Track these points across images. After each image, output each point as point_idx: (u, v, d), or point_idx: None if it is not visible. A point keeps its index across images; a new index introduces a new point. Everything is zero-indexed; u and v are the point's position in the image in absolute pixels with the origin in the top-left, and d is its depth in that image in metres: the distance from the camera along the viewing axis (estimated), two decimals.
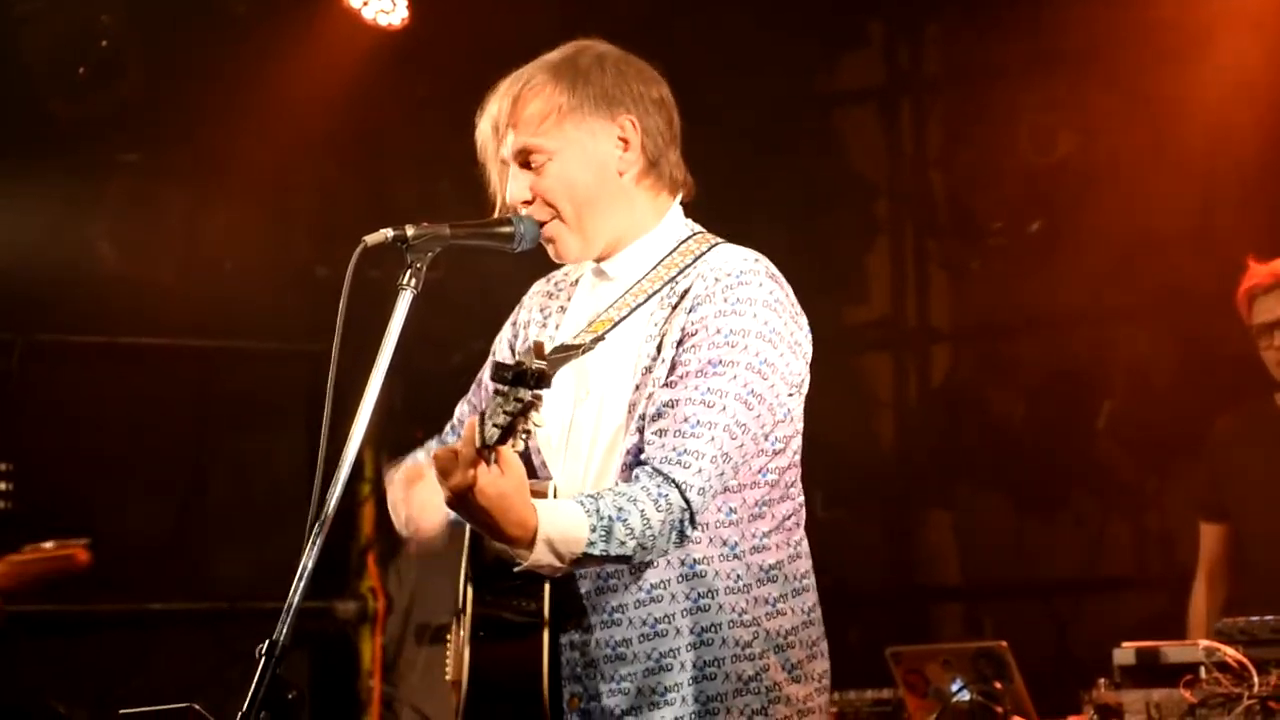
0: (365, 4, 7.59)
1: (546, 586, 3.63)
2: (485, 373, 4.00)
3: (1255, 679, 5.17)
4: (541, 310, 3.93)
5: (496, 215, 3.80)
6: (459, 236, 3.70)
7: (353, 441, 3.51)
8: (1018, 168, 8.10)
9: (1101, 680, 5.58)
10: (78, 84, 7.52)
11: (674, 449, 3.56)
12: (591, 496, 3.53)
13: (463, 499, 3.35)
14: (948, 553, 8.71)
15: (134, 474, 7.91)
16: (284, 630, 3.38)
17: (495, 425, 3.24)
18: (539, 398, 3.20)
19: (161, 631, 7.15)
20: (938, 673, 6.00)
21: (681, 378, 3.61)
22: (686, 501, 3.54)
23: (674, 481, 3.54)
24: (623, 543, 3.48)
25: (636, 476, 3.57)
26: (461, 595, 3.72)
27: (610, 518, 3.48)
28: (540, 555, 3.43)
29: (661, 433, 3.59)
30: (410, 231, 3.63)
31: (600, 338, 3.71)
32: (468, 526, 3.69)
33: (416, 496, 3.84)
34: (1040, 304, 8.14)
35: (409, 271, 3.61)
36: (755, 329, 3.64)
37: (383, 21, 7.64)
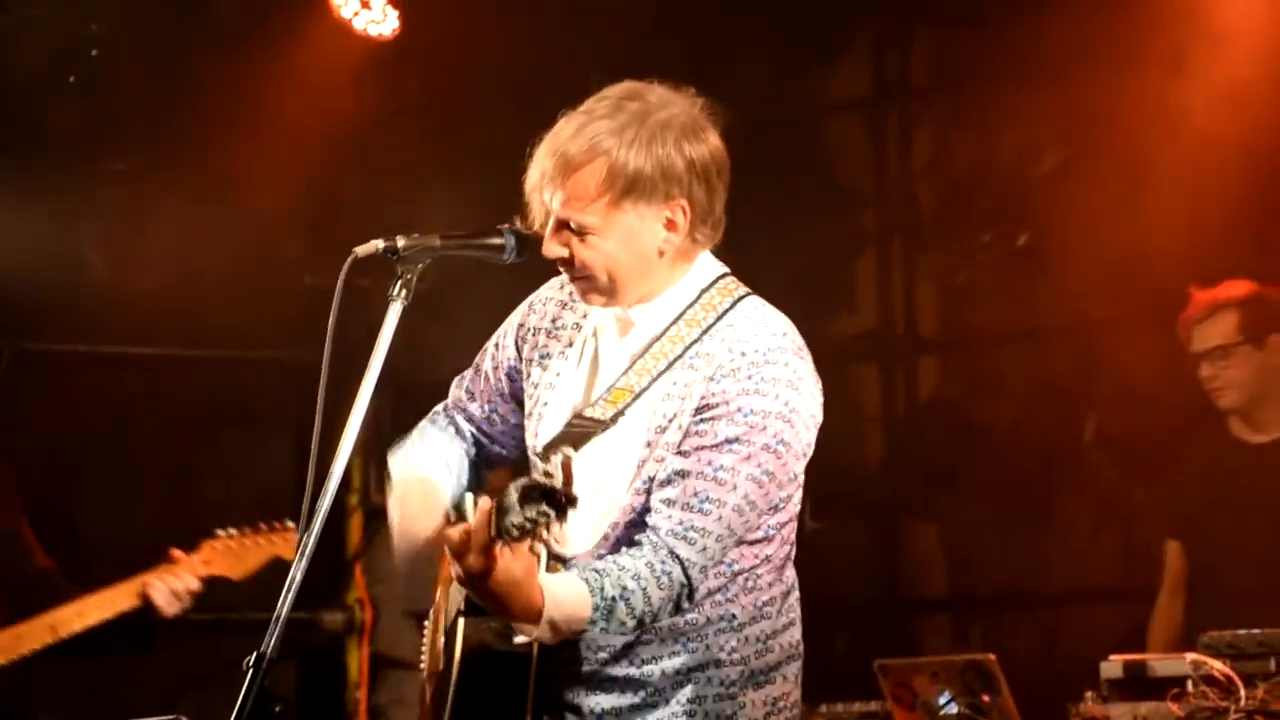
0: (356, 14, 7.60)
1: None
2: (487, 363, 3.98)
3: (1242, 692, 5.19)
4: (554, 321, 3.89)
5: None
6: (449, 247, 3.70)
7: (342, 452, 3.52)
8: (1005, 179, 8.10)
9: (1089, 693, 5.58)
10: (68, 92, 7.52)
11: (680, 523, 3.57)
12: (596, 572, 3.53)
13: (474, 581, 3.37)
14: (935, 565, 8.71)
15: (122, 483, 7.90)
16: (272, 641, 3.38)
17: (514, 524, 3.24)
18: (564, 518, 3.22)
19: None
20: (925, 685, 6.00)
21: (696, 449, 3.60)
22: (688, 578, 3.57)
23: (678, 557, 3.56)
24: (623, 622, 3.52)
25: (640, 545, 3.57)
26: (450, 622, 3.73)
27: (613, 598, 3.51)
28: (542, 634, 3.48)
29: (669, 503, 3.59)
30: (401, 242, 3.63)
31: (620, 413, 3.68)
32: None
33: (414, 516, 3.83)
34: (1027, 316, 8.14)
35: (399, 282, 3.62)
36: (776, 410, 3.61)
37: (373, 32, 7.65)
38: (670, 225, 3.68)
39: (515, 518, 3.24)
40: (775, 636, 3.74)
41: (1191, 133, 7.27)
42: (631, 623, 3.53)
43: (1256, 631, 5.40)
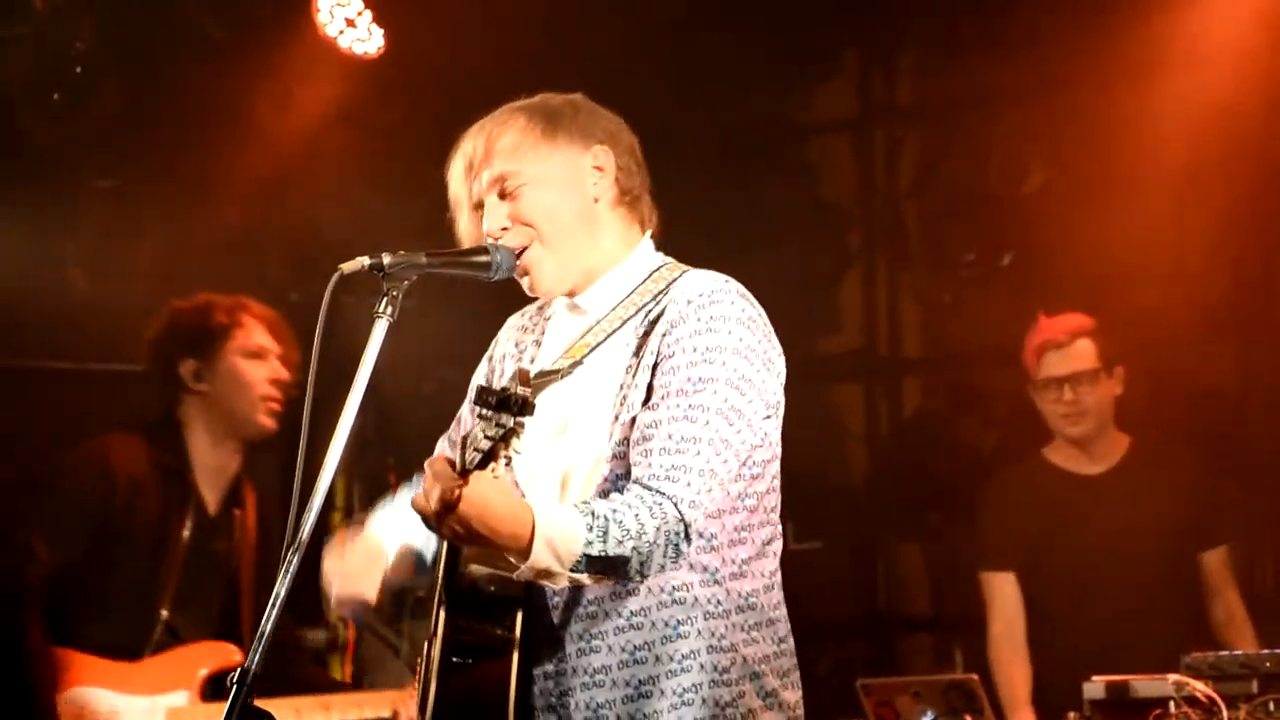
0: (341, 33, 7.59)
1: (519, 614, 3.64)
2: (465, 409, 4.01)
3: (1225, 713, 5.20)
4: (517, 345, 3.95)
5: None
6: (435, 265, 3.72)
7: (327, 469, 3.52)
8: (990, 200, 8.12)
9: (1072, 714, 5.61)
10: (52, 108, 7.50)
11: (661, 466, 3.58)
12: (584, 502, 3.55)
13: (449, 516, 3.35)
14: (919, 584, 8.72)
15: None
16: (256, 658, 3.38)
17: (476, 450, 3.25)
18: (521, 424, 3.22)
19: None
20: (908, 705, 6.01)
21: (663, 398, 3.64)
22: (680, 514, 3.56)
23: (665, 495, 3.56)
24: (620, 541, 3.49)
25: (627, 490, 3.58)
26: (433, 619, 3.72)
27: (606, 517, 3.49)
28: (540, 555, 3.44)
29: (647, 452, 3.60)
30: (386, 259, 3.64)
31: (579, 362, 3.75)
32: (441, 550, 3.69)
33: (349, 567, 3.87)
34: (1012, 336, 8.14)
35: (385, 299, 3.63)
36: (731, 345, 3.67)
37: (358, 50, 7.64)
38: (598, 171, 3.81)
39: (478, 443, 3.26)
40: (760, 628, 3.74)
41: (1175, 153, 7.30)
42: (629, 544, 3.49)
43: (1239, 653, 5.44)
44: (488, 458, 3.26)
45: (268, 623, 3.40)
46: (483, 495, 3.35)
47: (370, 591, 3.84)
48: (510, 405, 3.21)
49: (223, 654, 5.98)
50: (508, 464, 3.28)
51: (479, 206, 3.81)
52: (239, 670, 3.39)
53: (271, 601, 3.40)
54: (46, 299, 7.61)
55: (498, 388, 3.25)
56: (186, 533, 5.79)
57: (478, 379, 4.01)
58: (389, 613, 3.89)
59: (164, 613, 5.95)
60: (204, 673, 5.92)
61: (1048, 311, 6.60)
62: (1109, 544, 6.31)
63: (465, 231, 3.85)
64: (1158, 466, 6.45)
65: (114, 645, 5.90)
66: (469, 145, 3.82)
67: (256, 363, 6.18)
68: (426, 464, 3.43)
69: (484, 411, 3.23)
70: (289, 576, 3.42)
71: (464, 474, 3.31)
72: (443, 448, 4.06)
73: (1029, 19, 7.77)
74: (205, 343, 6.20)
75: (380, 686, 6.71)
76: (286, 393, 6.10)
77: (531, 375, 3.50)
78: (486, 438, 3.24)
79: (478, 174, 3.79)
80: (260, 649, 3.38)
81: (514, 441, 3.24)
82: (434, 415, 4.15)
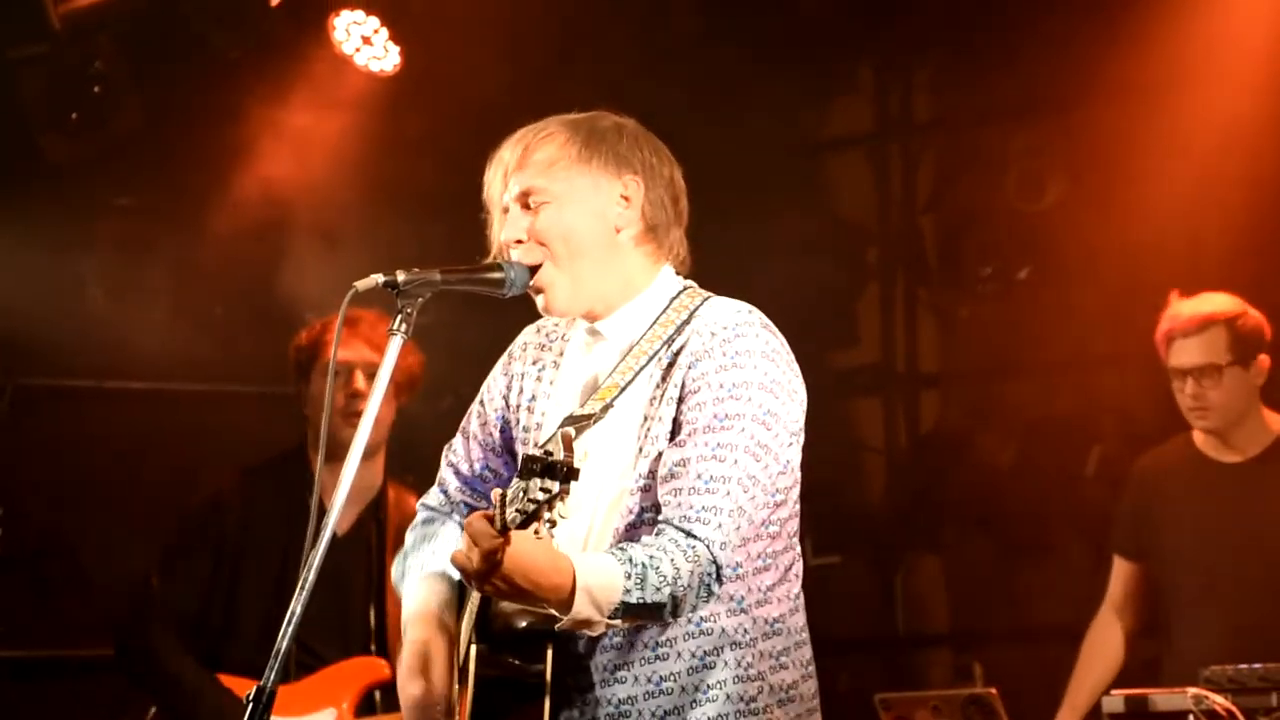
0: (358, 50, 7.61)
1: (549, 649, 3.63)
2: (472, 421, 3.99)
3: None
4: (535, 363, 3.92)
5: (492, 257, 3.81)
6: (449, 282, 3.71)
7: (342, 486, 3.52)
8: (1007, 214, 8.11)
9: None
10: (71, 127, 7.53)
11: (691, 506, 3.57)
12: (619, 548, 3.54)
13: (491, 574, 3.36)
14: (937, 598, 8.70)
15: (124, 518, 7.88)
16: (272, 675, 3.38)
17: (518, 510, 3.25)
18: (566, 491, 3.21)
19: None
20: (927, 719, 5.99)
21: (690, 435, 3.62)
22: (713, 555, 3.55)
23: (696, 536, 3.55)
24: (658, 589, 3.48)
25: (659, 532, 3.57)
26: (463, 657, 3.72)
27: (644, 564, 3.48)
28: (581, 607, 3.43)
29: (676, 491, 3.59)
30: (401, 277, 3.64)
31: (609, 406, 3.71)
32: (471, 590, 3.69)
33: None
34: (1029, 350, 8.15)
35: (399, 316, 3.63)
36: (756, 380, 3.65)
37: (374, 68, 7.66)
38: (625, 201, 3.77)
39: (519, 504, 3.25)
40: (789, 653, 3.74)
41: (1192, 166, 7.29)
42: (666, 590, 3.48)
43: (1258, 666, 5.40)
44: (530, 519, 3.26)
45: (283, 640, 3.39)
46: (526, 554, 3.35)
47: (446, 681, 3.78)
48: (555, 472, 3.21)
49: (370, 669, 5.99)
50: (551, 526, 3.28)
51: (506, 210, 3.80)
52: (255, 689, 3.38)
53: (287, 619, 3.40)
54: (65, 317, 7.64)
55: (541, 452, 3.24)
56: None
57: (491, 392, 3.97)
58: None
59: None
60: (354, 692, 5.94)
61: (1176, 286, 6.22)
62: (1242, 533, 6.04)
63: (495, 235, 3.84)
64: None
65: (257, 669, 5.92)
66: (507, 151, 3.79)
67: (337, 379, 6.16)
68: (464, 523, 3.42)
69: (527, 475, 3.22)
70: (305, 594, 3.42)
71: (504, 532, 3.30)
72: (451, 463, 4.04)
73: (1044, 34, 7.76)
74: (300, 368, 6.25)
75: None
76: (355, 403, 6.08)
77: (564, 419, 3.50)
78: (530, 500, 3.23)
79: (508, 183, 3.78)
80: (276, 666, 3.38)
81: (558, 506, 3.24)
82: (452, 432, 4.14)
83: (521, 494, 3.25)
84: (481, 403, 3.98)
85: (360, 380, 6.06)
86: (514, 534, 3.30)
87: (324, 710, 5.96)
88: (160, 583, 6.24)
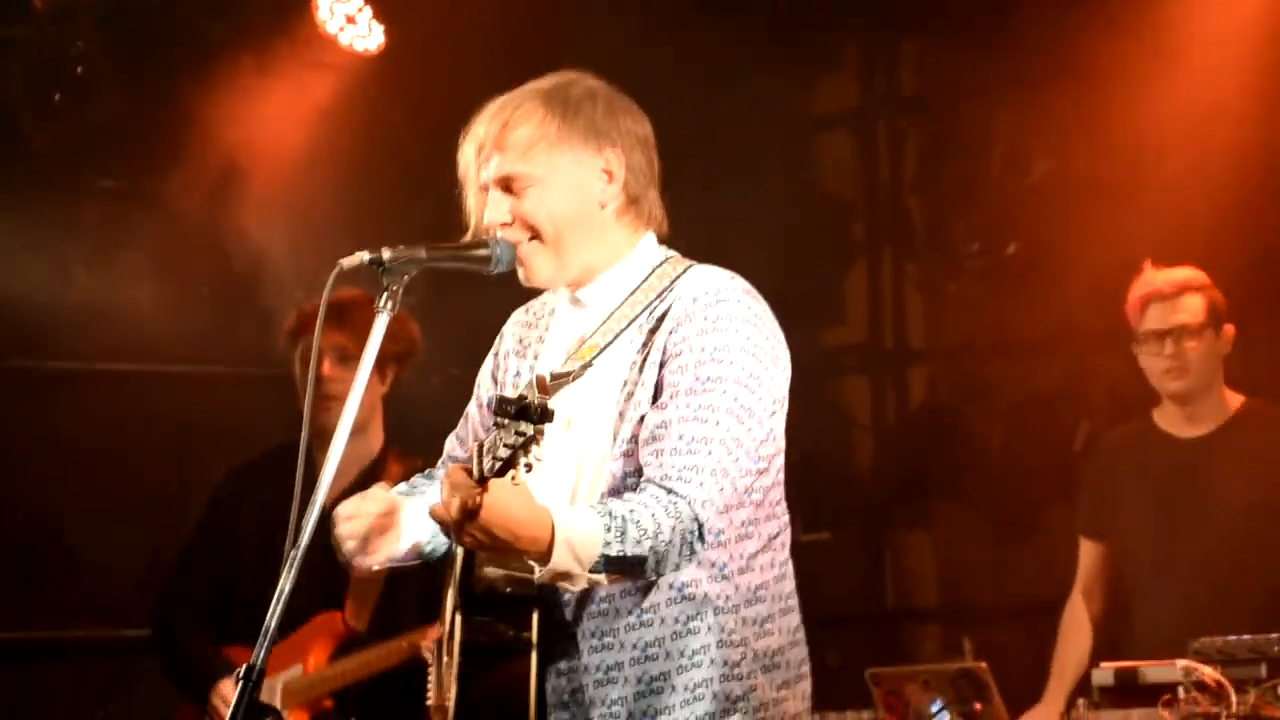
0: (341, 30, 7.60)
1: (535, 613, 3.64)
2: (472, 406, 4.01)
3: (1233, 698, 5.19)
4: (521, 341, 3.94)
5: (471, 238, 3.81)
6: (435, 259, 3.71)
7: (329, 466, 3.51)
8: (994, 190, 8.12)
9: (1080, 700, 5.61)
10: (53, 110, 7.51)
11: (673, 466, 3.57)
12: (600, 502, 3.55)
13: (469, 524, 3.34)
14: (926, 574, 8.71)
15: (112, 500, 7.88)
16: (262, 655, 3.38)
17: (495, 458, 3.25)
18: (541, 432, 3.21)
19: (140, 658, 7.11)
20: (917, 694, 6.00)
21: (671, 397, 3.63)
22: (695, 513, 3.55)
23: (680, 495, 3.55)
24: (638, 541, 3.48)
25: (641, 489, 3.57)
26: (449, 622, 3.72)
27: (624, 517, 3.48)
28: (560, 558, 3.43)
29: (658, 453, 3.59)
30: (386, 254, 3.63)
31: (589, 364, 3.72)
32: (456, 555, 3.70)
33: (374, 524, 3.77)
34: (1017, 326, 8.16)
35: (385, 294, 3.62)
36: (739, 344, 3.66)
37: (359, 47, 7.65)
38: (607, 176, 3.77)
39: (496, 451, 3.25)
40: (773, 620, 3.75)
41: (1179, 143, 7.29)
42: (647, 544, 3.48)
43: (1247, 638, 5.40)
44: (507, 465, 3.25)
45: (272, 619, 3.40)
46: (503, 502, 3.34)
47: (383, 554, 3.78)
48: (530, 413, 3.20)
49: (328, 624, 6.05)
50: (528, 471, 3.27)
51: (486, 188, 3.79)
52: (245, 668, 3.39)
53: (275, 598, 3.40)
54: (50, 299, 7.63)
55: (515, 395, 3.25)
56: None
57: (484, 375, 4.00)
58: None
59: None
60: (321, 647, 6.01)
61: (1155, 261, 6.31)
62: (1204, 508, 6.10)
63: (471, 210, 3.83)
64: (1266, 429, 6.20)
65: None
66: (481, 128, 3.78)
67: (319, 361, 6.19)
68: (443, 473, 3.42)
69: (502, 419, 3.22)
70: (293, 572, 3.42)
71: (482, 481, 3.30)
72: (451, 447, 4.05)
73: (1031, 10, 7.76)
74: (287, 354, 6.29)
75: None
76: (335, 387, 6.09)
77: (548, 379, 3.50)
78: (506, 445, 3.23)
79: (486, 160, 3.77)
80: (266, 645, 3.38)
81: (533, 449, 3.24)
82: (441, 411, 4.15)
83: (497, 441, 3.25)
84: (477, 387, 4.02)
85: (332, 365, 6.08)
86: (492, 483, 3.30)
87: (291, 667, 6.05)
88: (176, 575, 6.39)
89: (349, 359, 5.98)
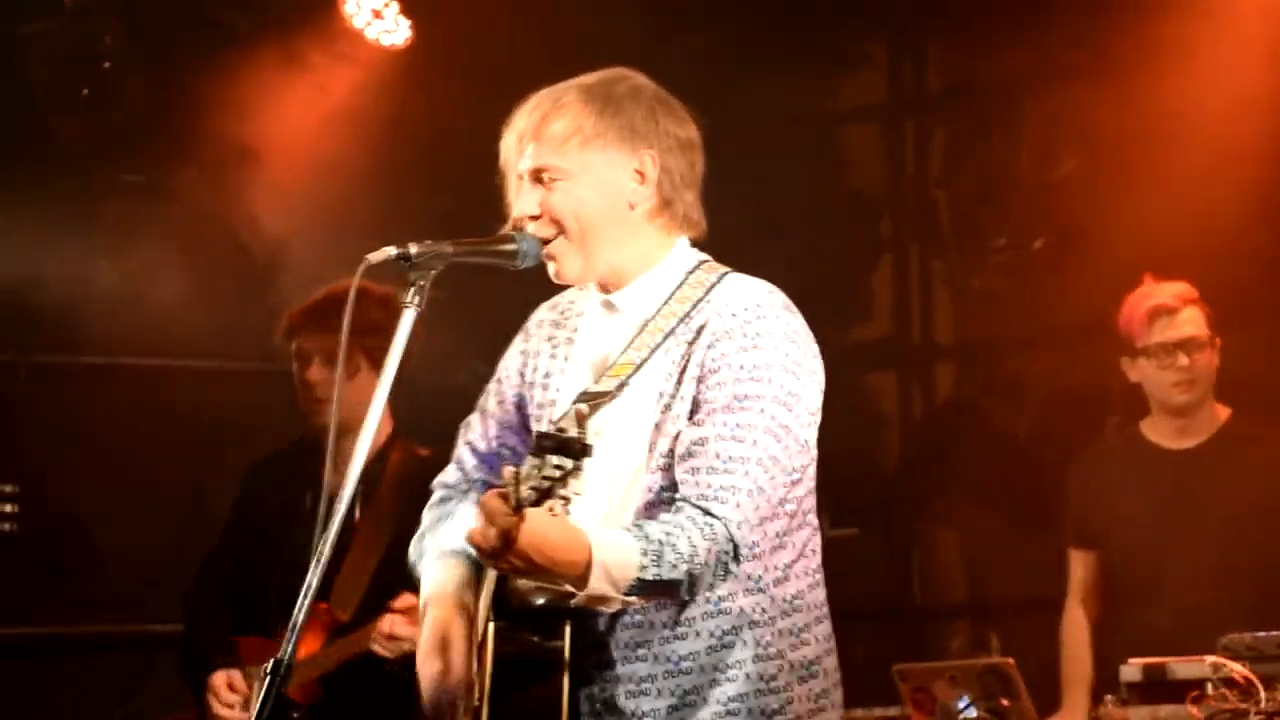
0: (368, 24, 7.61)
1: (568, 626, 3.63)
2: (489, 399, 3.98)
3: (1262, 694, 5.18)
4: (549, 340, 3.91)
5: (510, 226, 3.80)
6: (461, 254, 3.70)
7: (356, 461, 3.51)
8: (1021, 185, 8.09)
9: (1109, 696, 5.59)
10: (80, 104, 7.53)
11: (709, 485, 3.56)
12: (636, 525, 3.53)
13: (507, 551, 3.34)
14: (954, 569, 8.70)
15: (136, 494, 7.90)
16: (289, 649, 3.39)
17: (532, 488, 3.24)
18: (580, 468, 3.21)
19: (163, 652, 7.13)
20: (944, 690, 5.99)
21: (709, 415, 3.61)
22: (730, 534, 3.55)
23: (714, 515, 3.54)
24: (674, 566, 3.47)
25: (678, 509, 3.56)
26: (480, 632, 3.71)
27: (660, 541, 3.47)
28: (596, 583, 3.43)
29: (694, 470, 3.58)
30: (413, 249, 3.63)
31: (624, 384, 3.70)
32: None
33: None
34: (1044, 321, 8.13)
35: (412, 289, 3.62)
36: (778, 362, 3.64)
37: (385, 41, 7.66)
38: (640, 177, 3.75)
39: (532, 482, 3.24)
40: (809, 629, 3.74)
41: (1207, 136, 7.26)
42: (683, 568, 3.47)
43: (1276, 634, 5.39)
44: (544, 496, 3.25)
45: (300, 613, 3.40)
46: (540, 531, 3.34)
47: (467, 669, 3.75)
48: (569, 449, 3.21)
49: (316, 613, 6.03)
50: (565, 503, 3.27)
51: (522, 179, 3.79)
52: (273, 661, 3.39)
53: (303, 591, 3.40)
54: (77, 294, 7.64)
55: (554, 429, 3.25)
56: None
57: (508, 369, 3.97)
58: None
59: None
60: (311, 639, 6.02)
61: (1155, 275, 6.40)
62: (1194, 520, 6.16)
63: (512, 199, 3.82)
64: (1255, 441, 6.27)
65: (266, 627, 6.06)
66: (522, 119, 3.77)
67: (300, 365, 6.22)
68: (479, 501, 3.41)
69: (541, 453, 3.22)
70: (321, 566, 3.42)
71: (518, 509, 3.29)
72: (468, 440, 4.02)
73: (1059, 3, 7.74)
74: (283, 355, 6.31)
75: None
76: (323, 390, 6.09)
77: (579, 395, 3.50)
78: (544, 477, 3.23)
79: (523, 150, 3.76)
80: (294, 639, 3.38)
81: (572, 483, 3.24)
82: (466, 407, 4.13)
83: (535, 471, 3.25)
84: (498, 380, 3.98)
85: (317, 368, 6.08)
86: (529, 511, 3.29)
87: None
88: (201, 570, 6.38)
89: (336, 359, 5.98)
